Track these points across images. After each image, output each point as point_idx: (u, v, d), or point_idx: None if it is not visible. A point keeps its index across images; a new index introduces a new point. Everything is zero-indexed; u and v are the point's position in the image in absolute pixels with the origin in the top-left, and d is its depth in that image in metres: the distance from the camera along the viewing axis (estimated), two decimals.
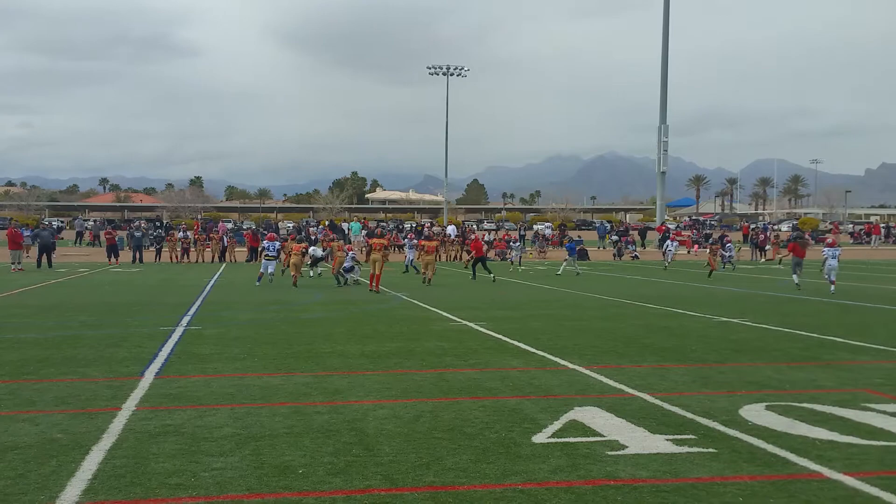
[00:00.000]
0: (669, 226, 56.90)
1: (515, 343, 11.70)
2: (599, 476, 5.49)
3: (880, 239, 63.74)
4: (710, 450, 6.14)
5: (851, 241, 65.45)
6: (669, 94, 53.94)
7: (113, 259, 37.42)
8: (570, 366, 9.82)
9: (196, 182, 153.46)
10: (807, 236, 42.18)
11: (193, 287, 22.87)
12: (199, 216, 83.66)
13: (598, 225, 72.53)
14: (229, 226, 60.99)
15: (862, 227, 74.64)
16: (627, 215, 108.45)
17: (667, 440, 6.39)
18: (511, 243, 39.16)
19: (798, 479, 5.48)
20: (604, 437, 6.47)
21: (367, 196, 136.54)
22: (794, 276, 22.63)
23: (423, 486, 5.27)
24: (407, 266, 31.02)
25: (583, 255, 39.37)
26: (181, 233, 43.04)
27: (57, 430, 6.62)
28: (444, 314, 15.69)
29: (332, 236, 35.66)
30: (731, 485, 5.35)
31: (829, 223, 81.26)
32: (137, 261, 38.34)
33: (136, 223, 60.19)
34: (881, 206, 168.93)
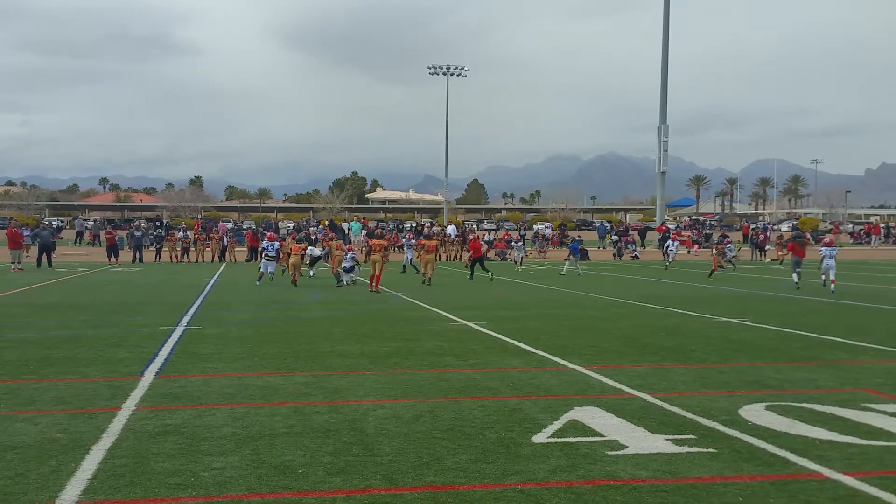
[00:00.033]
0: (669, 226, 56.86)
1: (515, 343, 11.70)
2: (599, 476, 5.49)
3: (880, 239, 63.77)
4: (710, 450, 6.14)
5: (851, 241, 65.47)
6: (669, 94, 53.94)
7: (113, 259, 37.42)
8: (570, 366, 9.82)
9: (196, 182, 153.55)
10: (807, 236, 42.14)
11: (193, 287, 22.87)
12: (199, 216, 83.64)
13: (598, 225, 72.55)
14: (229, 225, 60.98)
15: (862, 227, 74.65)
16: (627, 215, 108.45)
17: (667, 440, 6.39)
18: (513, 243, 39.17)
19: (798, 479, 5.48)
20: (603, 437, 6.47)
21: (367, 196, 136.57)
22: (794, 276, 22.66)
23: (423, 486, 5.27)
24: (405, 266, 31.03)
25: (583, 255, 39.38)
26: (181, 232, 43.07)
27: (57, 430, 6.62)
28: (444, 314, 15.69)
29: (331, 235, 35.66)
30: (731, 485, 5.35)
31: (830, 223, 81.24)
32: (137, 260, 38.34)
33: (136, 223, 60.22)
34: (881, 207, 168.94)
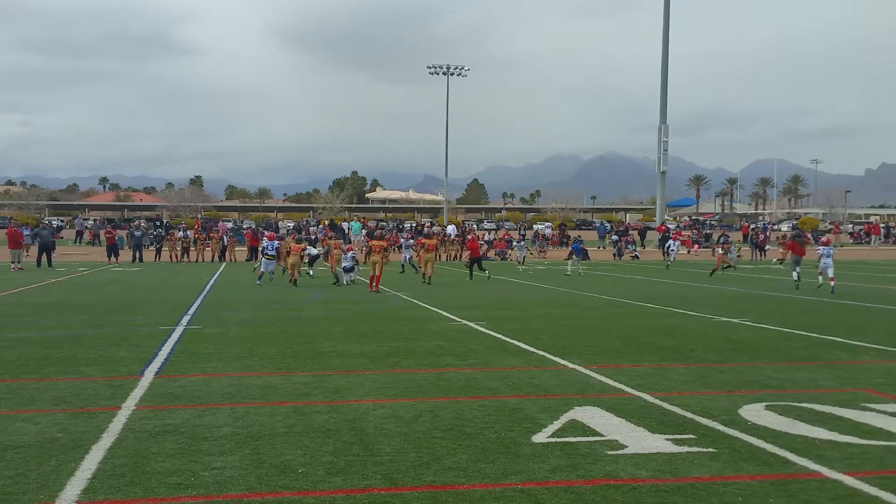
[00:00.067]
0: (669, 226, 56.85)
1: (515, 343, 11.70)
2: (599, 476, 5.49)
3: (880, 239, 63.74)
4: (710, 449, 6.14)
5: (851, 241, 65.46)
6: (669, 94, 53.92)
7: (113, 258, 37.44)
8: (570, 365, 9.82)
9: (196, 181, 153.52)
10: (807, 235, 42.16)
11: (193, 286, 22.88)
12: (199, 215, 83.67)
13: (598, 225, 72.52)
14: (229, 225, 60.99)
15: (862, 227, 74.62)
16: (627, 215, 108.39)
17: (666, 440, 6.39)
18: (514, 243, 39.17)
19: (798, 479, 5.48)
20: (603, 436, 6.47)
21: (367, 195, 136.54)
22: (794, 274, 22.74)
23: (423, 486, 5.27)
24: (403, 265, 31.03)
25: (583, 254, 39.37)
26: (181, 232, 43.07)
27: (57, 430, 6.62)
28: (444, 314, 15.69)
29: (330, 235, 35.67)
30: (731, 484, 5.35)
31: (830, 223, 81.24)
32: (137, 260, 38.36)
33: (136, 222, 60.21)
34: (881, 206, 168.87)
